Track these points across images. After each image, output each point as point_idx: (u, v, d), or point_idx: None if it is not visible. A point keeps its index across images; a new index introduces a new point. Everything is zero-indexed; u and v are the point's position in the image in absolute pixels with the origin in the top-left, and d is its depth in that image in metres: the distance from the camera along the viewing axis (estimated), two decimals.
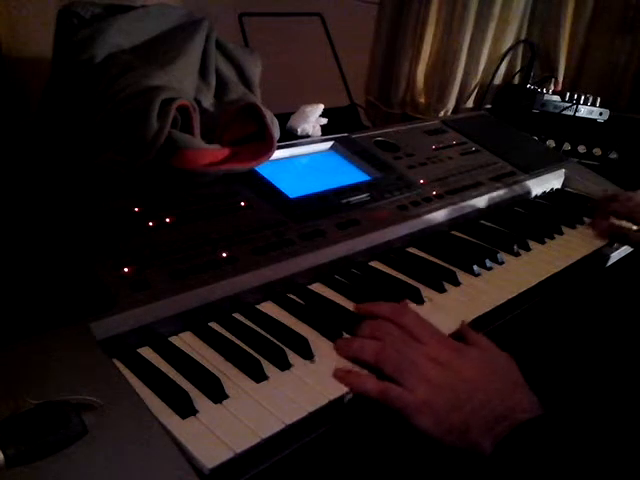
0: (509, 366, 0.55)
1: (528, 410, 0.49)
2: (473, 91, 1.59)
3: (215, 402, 0.47)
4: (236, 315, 0.59)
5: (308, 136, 0.96)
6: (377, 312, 0.60)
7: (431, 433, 0.49)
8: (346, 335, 0.58)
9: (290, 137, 0.93)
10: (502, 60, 1.57)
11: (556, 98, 1.49)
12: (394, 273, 0.71)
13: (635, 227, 0.88)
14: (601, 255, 0.87)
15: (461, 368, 0.53)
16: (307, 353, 0.54)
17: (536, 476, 0.44)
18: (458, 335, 0.59)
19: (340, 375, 0.52)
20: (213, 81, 0.84)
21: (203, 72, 0.83)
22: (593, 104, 1.49)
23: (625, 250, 0.90)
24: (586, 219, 0.94)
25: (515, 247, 0.79)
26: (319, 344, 0.56)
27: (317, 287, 0.67)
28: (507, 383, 0.52)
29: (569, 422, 0.47)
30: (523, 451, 0.45)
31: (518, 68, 1.64)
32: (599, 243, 0.87)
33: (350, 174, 0.87)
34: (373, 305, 0.61)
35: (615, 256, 0.88)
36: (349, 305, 0.63)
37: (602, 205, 0.93)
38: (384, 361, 0.53)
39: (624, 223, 0.89)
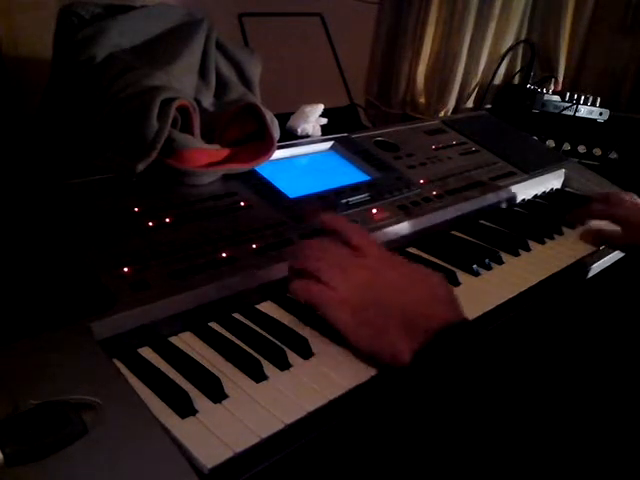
0: (440, 283, 0.55)
1: (449, 319, 0.49)
2: (473, 91, 1.59)
3: (215, 402, 0.47)
4: (236, 315, 0.59)
5: (308, 136, 0.96)
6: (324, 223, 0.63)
7: (346, 328, 0.51)
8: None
9: (290, 137, 0.93)
10: (502, 60, 1.57)
11: (556, 98, 1.49)
12: None
13: (618, 229, 0.87)
14: (601, 255, 0.86)
15: (387, 273, 0.54)
16: (307, 353, 0.54)
17: (455, 383, 0.44)
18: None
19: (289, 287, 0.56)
20: (213, 81, 0.84)
21: (203, 72, 0.83)
22: (593, 104, 1.49)
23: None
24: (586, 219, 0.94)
25: (515, 247, 0.79)
26: (319, 344, 0.56)
27: None
28: (433, 295, 0.53)
29: (482, 331, 0.48)
30: (442, 357, 0.46)
31: (518, 68, 1.64)
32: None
33: (350, 174, 0.87)
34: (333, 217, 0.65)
35: (615, 256, 0.88)
36: None
37: (584, 209, 0.91)
38: (308, 259, 0.56)
39: (607, 225, 0.87)
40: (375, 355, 0.51)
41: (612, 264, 0.88)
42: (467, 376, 0.44)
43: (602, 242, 0.88)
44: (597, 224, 0.90)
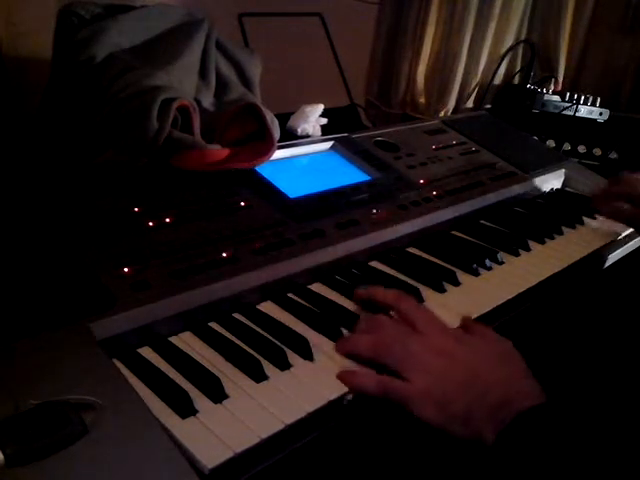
0: (511, 353, 0.54)
1: (531, 397, 0.48)
2: (473, 91, 1.59)
3: (215, 402, 0.47)
4: (236, 315, 0.59)
5: (308, 136, 0.96)
6: (374, 295, 0.60)
7: (434, 422, 0.49)
8: (346, 333, 0.58)
9: (290, 137, 0.93)
10: (502, 60, 1.57)
11: (556, 98, 1.49)
12: (394, 273, 0.71)
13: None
14: (601, 255, 0.87)
15: (461, 356, 0.52)
16: (307, 353, 0.54)
17: (538, 465, 0.43)
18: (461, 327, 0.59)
19: (340, 376, 0.51)
20: (213, 81, 0.84)
21: (203, 72, 0.83)
22: (593, 104, 1.49)
23: (625, 250, 0.90)
24: (586, 219, 0.94)
25: (515, 247, 0.79)
26: (319, 344, 0.56)
27: (317, 287, 0.66)
28: (509, 370, 0.51)
29: (570, 411, 0.46)
30: (525, 439, 0.45)
31: (518, 68, 1.64)
32: (599, 243, 0.87)
33: (350, 174, 0.87)
34: (372, 288, 0.61)
35: (615, 256, 0.88)
36: (349, 305, 0.63)
37: (605, 191, 0.93)
38: (381, 353, 0.53)
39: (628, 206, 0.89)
40: (460, 438, 0.49)
41: (612, 264, 0.88)
42: (548, 459, 0.43)
43: (618, 219, 0.90)
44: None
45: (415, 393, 0.50)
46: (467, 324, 0.59)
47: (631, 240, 0.91)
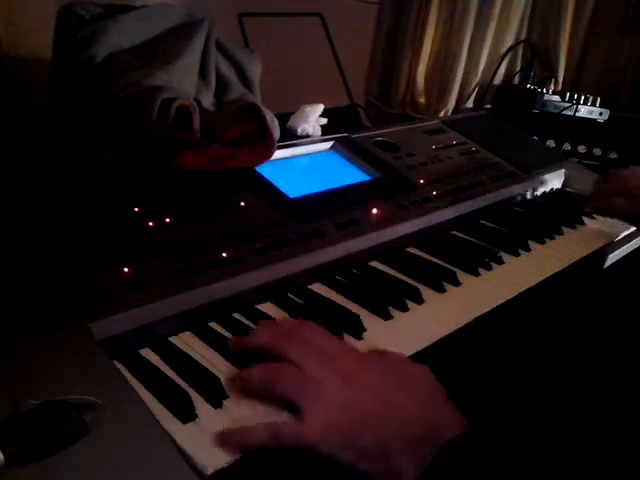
0: (428, 379, 0.48)
1: (454, 425, 0.43)
2: (473, 91, 1.59)
3: (215, 402, 0.47)
4: (236, 315, 0.59)
5: (308, 136, 0.96)
6: (274, 327, 0.52)
7: (341, 459, 0.41)
8: (345, 335, 0.58)
9: (290, 137, 0.93)
10: (502, 60, 1.57)
11: (556, 98, 1.49)
12: (394, 273, 0.71)
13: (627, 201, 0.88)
14: (601, 255, 0.87)
15: (371, 381, 0.45)
16: None
17: None
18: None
19: (223, 439, 0.43)
20: (213, 81, 0.84)
21: (203, 72, 0.83)
22: (593, 104, 1.49)
23: (625, 250, 0.90)
24: (586, 219, 0.94)
25: (515, 247, 0.79)
26: None
27: (317, 287, 0.66)
28: (427, 396, 0.45)
29: (497, 436, 0.42)
30: (454, 474, 0.39)
31: (518, 68, 1.64)
32: (599, 243, 0.87)
33: (350, 174, 0.87)
34: (274, 321, 0.54)
35: (615, 256, 0.88)
36: (349, 305, 0.63)
37: (597, 187, 0.92)
38: (275, 382, 0.45)
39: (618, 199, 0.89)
40: (375, 477, 0.42)
41: (612, 264, 0.88)
42: None
43: (610, 214, 0.89)
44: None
45: (315, 430, 0.42)
46: (378, 350, 0.52)
47: (631, 240, 0.91)
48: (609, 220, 0.93)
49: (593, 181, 0.96)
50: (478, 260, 0.74)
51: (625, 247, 0.90)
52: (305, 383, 0.44)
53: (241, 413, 0.46)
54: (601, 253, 0.86)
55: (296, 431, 0.43)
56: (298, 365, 0.46)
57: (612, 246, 0.88)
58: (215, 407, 0.46)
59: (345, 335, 0.58)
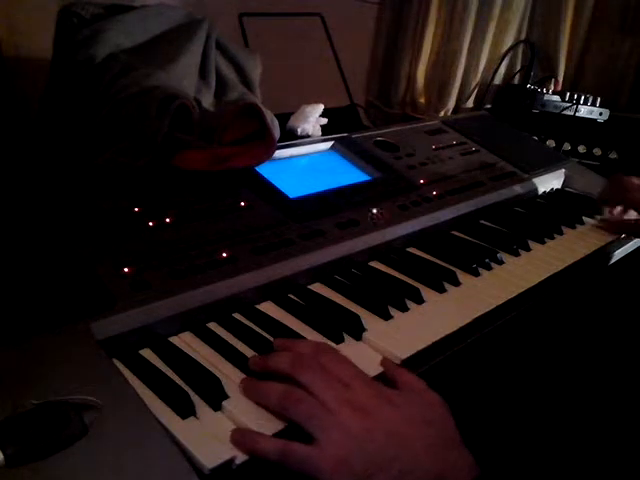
0: (443, 416, 0.47)
1: (464, 471, 0.42)
2: (473, 91, 1.59)
3: (215, 402, 0.47)
4: (236, 315, 0.59)
5: (308, 136, 0.96)
6: (296, 350, 0.51)
7: None
8: (347, 337, 0.58)
9: (290, 137, 0.93)
10: (502, 60, 1.57)
11: (556, 98, 1.49)
12: (394, 273, 0.71)
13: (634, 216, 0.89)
14: (601, 255, 0.87)
15: (387, 418, 0.44)
16: None
17: None
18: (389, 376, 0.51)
19: (233, 437, 0.43)
20: (213, 81, 0.84)
21: (203, 72, 0.83)
22: (593, 104, 1.49)
23: (625, 250, 0.90)
24: (586, 219, 0.94)
25: (515, 247, 0.79)
26: None
27: (317, 287, 0.66)
28: (440, 438, 0.44)
29: None
30: None
31: (518, 68, 1.64)
32: (599, 243, 0.87)
33: (350, 174, 0.87)
34: (293, 342, 0.53)
35: (616, 256, 0.88)
36: (349, 305, 0.63)
37: (611, 199, 0.93)
38: (290, 406, 0.44)
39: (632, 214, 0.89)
40: None
41: (613, 263, 0.88)
42: None
43: (624, 232, 0.89)
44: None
45: (326, 462, 0.41)
46: (392, 372, 0.51)
47: (632, 240, 0.91)
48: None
49: (600, 191, 0.96)
50: (478, 260, 0.74)
51: (626, 247, 0.90)
52: (319, 412, 0.44)
53: (241, 413, 0.46)
54: (602, 253, 0.86)
55: (307, 456, 0.42)
56: (314, 393, 0.45)
57: (613, 246, 0.89)
58: (215, 408, 0.46)
59: (345, 335, 0.58)
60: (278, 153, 0.81)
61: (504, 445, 0.44)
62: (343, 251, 0.70)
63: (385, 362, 0.53)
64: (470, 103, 1.61)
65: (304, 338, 0.55)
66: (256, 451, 0.42)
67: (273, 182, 0.76)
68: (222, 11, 1.05)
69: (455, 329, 0.61)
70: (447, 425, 0.46)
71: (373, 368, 0.53)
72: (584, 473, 0.42)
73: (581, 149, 1.42)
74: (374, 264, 0.73)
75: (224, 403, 0.47)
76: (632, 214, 0.92)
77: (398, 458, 0.42)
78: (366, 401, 0.45)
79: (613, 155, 1.42)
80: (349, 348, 0.56)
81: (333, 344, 0.56)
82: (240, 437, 0.43)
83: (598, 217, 0.96)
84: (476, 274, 0.72)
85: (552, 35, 1.63)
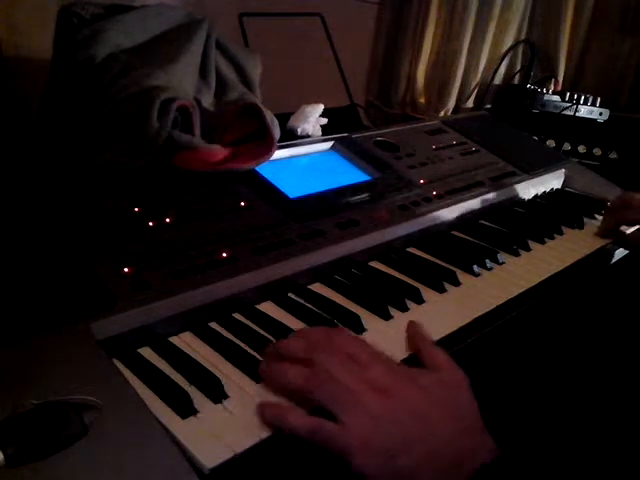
0: (468, 398, 0.47)
1: (483, 455, 0.42)
2: (473, 91, 1.59)
3: (215, 402, 0.47)
4: (236, 315, 0.59)
5: (308, 136, 0.96)
6: (310, 335, 0.51)
7: (371, 476, 0.41)
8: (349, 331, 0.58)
9: (290, 137, 0.93)
10: (502, 60, 1.57)
11: (556, 98, 1.49)
12: (394, 273, 0.71)
13: (632, 229, 0.88)
14: (601, 255, 0.87)
15: (410, 398, 0.44)
16: None
17: None
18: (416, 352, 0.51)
19: (261, 410, 0.44)
20: (213, 81, 0.84)
21: (203, 72, 0.83)
22: (593, 104, 1.49)
23: (625, 250, 0.90)
24: (586, 219, 0.94)
25: (515, 247, 0.79)
26: None
27: (317, 287, 0.66)
28: (465, 420, 0.44)
29: (525, 465, 0.42)
30: None
31: (518, 68, 1.64)
32: (599, 243, 0.87)
33: (350, 174, 0.87)
34: (307, 330, 0.53)
35: (615, 256, 0.88)
36: (349, 305, 0.63)
37: (614, 212, 0.92)
38: (314, 388, 0.44)
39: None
40: None
41: (612, 264, 0.88)
42: None
43: (617, 242, 0.88)
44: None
45: (351, 441, 0.42)
46: (421, 348, 0.51)
47: None
48: None
49: (607, 208, 0.95)
50: (478, 260, 0.74)
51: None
52: (342, 394, 0.44)
53: (240, 414, 0.46)
54: (602, 253, 0.86)
55: (334, 434, 0.42)
56: (334, 375, 0.45)
57: (613, 246, 0.88)
58: (215, 403, 0.46)
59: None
60: (278, 153, 0.81)
61: (503, 445, 0.44)
62: (343, 251, 0.70)
63: (416, 335, 0.52)
64: (470, 103, 1.61)
65: None
66: (286, 425, 0.43)
67: (273, 182, 0.76)
68: (222, 11, 1.05)
69: (455, 329, 0.61)
70: (471, 407, 0.46)
71: None
72: (580, 476, 0.42)
73: (581, 149, 1.42)
74: (374, 264, 0.73)
75: (224, 403, 0.47)
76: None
77: (422, 439, 0.42)
78: (386, 381, 0.45)
79: (613, 155, 1.42)
80: None
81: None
82: (271, 410, 0.44)
83: (598, 217, 0.96)
84: (476, 274, 0.72)
85: (552, 35, 1.63)
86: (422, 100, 1.59)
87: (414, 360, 0.55)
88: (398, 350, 0.56)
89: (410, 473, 0.41)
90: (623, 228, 0.91)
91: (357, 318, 0.59)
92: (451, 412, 0.44)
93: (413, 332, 0.53)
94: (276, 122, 0.82)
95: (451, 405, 0.45)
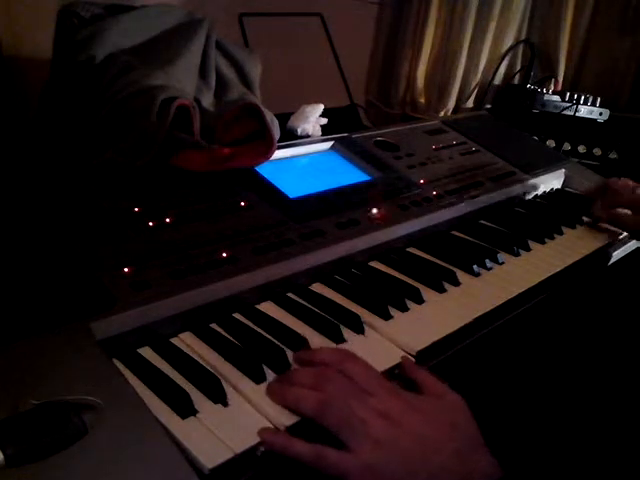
0: (466, 418, 0.48)
1: (487, 473, 0.43)
2: (473, 91, 1.59)
3: (215, 402, 0.47)
4: (236, 315, 0.59)
5: (308, 136, 0.96)
6: (318, 359, 0.52)
7: None
8: (347, 332, 0.58)
9: (290, 137, 0.93)
10: (502, 60, 1.57)
11: (556, 98, 1.49)
12: (394, 273, 0.71)
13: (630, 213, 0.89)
14: (601, 255, 0.87)
15: (414, 424, 0.46)
16: None
17: None
18: (401, 374, 0.53)
19: (265, 434, 0.45)
20: (213, 81, 0.84)
21: (203, 72, 0.83)
22: (593, 104, 1.49)
23: (625, 250, 0.90)
24: (586, 219, 0.94)
25: (515, 247, 0.79)
26: (319, 344, 0.56)
27: (317, 287, 0.67)
28: (465, 440, 0.46)
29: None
30: None
31: (518, 68, 1.64)
32: (599, 243, 0.87)
33: (350, 174, 0.87)
34: (313, 352, 0.54)
35: (615, 256, 0.88)
36: (349, 305, 0.63)
37: (608, 197, 0.93)
38: (325, 415, 0.46)
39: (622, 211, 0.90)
40: None
41: (613, 263, 0.88)
42: None
43: (623, 227, 0.90)
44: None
45: (357, 467, 0.43)
46: (411, 373, 0.53)
47: (631, 240, 0.91)
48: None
49: (595, 186, 0.97)
50: (478, 260, 0.74)
51: (626, 247, 0.90)
52: (350, 422, 0.45)
53: (240, 414, 0.46)
54: (602, 253, 0.86)
55: (339, 461, 0.43)
56: (344, 403, 0.46)
57: (613, 246, 0.89)
58: (215, 403, 0.47)
59: (345, 335, 0.58)
60: (278, 153, 0.81)
61: (503, 445, 0.44)
62: (343, 251, 0.70)
63: (406, 363, 0.54)
64: (470, 103, 1.61)
65: (304, 338, 0.55)
66: (290, 452, 0.44)
67: (273, 182, 0.76)
68: (222, 11, 1.05)
69: (455, 329, 0.61)
70: (470, 427, 0.47)
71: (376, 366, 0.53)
72: (582, 474, 0.42)
73: (581, 149, 1.42)
74: (374, 264, 0.73)
75: (224, 403, 0.47)
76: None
77: (426, 463, 0.43)
78: (392, 409, 0.46)
79: (613, 155, 1.42)
80: (349, 348, 0.56)
81: (333, 344, 0.56)
82: (274, 437, 0.45)
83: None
84: (476, 274, 0.72)
85: (552, 35, 1.63)
86: (422, 100, 1.59)
87: (415, 360, 0.55)
88: (398, 350, 0.56)
89: None
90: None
91: (357, 318, 0.59)
92: (453, 434, 0.46)
93: (408, 363, 0.54)
94: (276, 122, 0.82)
95: (452, 427, 0.46)
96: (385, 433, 0.44)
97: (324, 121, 0.99)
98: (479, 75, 1.58)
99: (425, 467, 0.43)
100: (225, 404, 0.47)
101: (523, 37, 1.63)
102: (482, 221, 0.90)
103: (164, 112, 0.68)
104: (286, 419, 0.46)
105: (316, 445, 0.44)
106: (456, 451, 0.44)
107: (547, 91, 1.52)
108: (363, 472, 0.43)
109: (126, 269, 0.55)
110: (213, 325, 0.57)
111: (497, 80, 1.60)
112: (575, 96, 1.49)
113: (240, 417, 0.46)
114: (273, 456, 0.44)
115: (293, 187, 0.76)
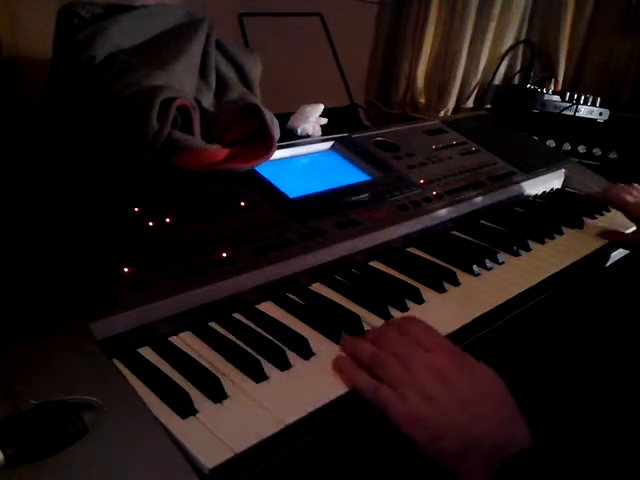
0: (507, 392, 0.51)
1: (523, 443, 0.45)
2: (473, 91, 1.59)
3: (215, 402, 0.47)
4: (236, 315, 0.59)
5: (308, 136, 0.96)
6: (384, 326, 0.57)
7: (421, 448, 0.46)
8: (345, 335, 0.58)
9: (290, 137, 0.93)
10: (502, 60, 1.57)
11: (556, 98, 1.49)
12: (394, 273, 0.71)
13: (630, 230, 0.89)
14: (601, 255, 0.87)
15: (465, 388, 0.48)
16: (307, 353, 0.54)
17: None
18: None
19: (337, 364, 0.51)
20: (213, 81, 0.84)
21: (203, 72, 0.83)
22: (593, 104, 1.49)
23: (624, 250, 0.90)
24: (586, 219, 0.94)
25: (515, 247, 0.79)
26: (319, 344, 0.56)
27: (317, 287, 0.67)
28: (508, 411, 0.48)
29: (560, 454, 0.44)
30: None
31: (518, 68, 1.64)
32: (599, 243, 0.87)
33: (350, 174, 0.87)
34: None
35: (615, 256, 0.88)
36: (349, 305, 0.63)
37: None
38: (376, 364, 0.51)
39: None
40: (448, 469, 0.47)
41: (612, 264, 0.88)
42: None
43: (615, 242, 0.89)
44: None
45: (404, 410, 0.47)
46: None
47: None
48: (610, 220, 0.93)
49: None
50: (478, 260, 0.74)
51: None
52: (402, 373, 0.49)
53: (240, 414, 0.46)
54: (601, 253, 0.86)
55: (390, 403, 0.47)
56: (399, 354, 0.51)
57: (613, 246, 0.89)
58: (215, 403, 0.46)
59: (345, 335, 0.58)
60: (278, 153, 0.81)
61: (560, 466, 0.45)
62: (343, 251, 0.70)
63: None
64: (470, 103, 1.61)
65: (303, 338, 0.55)
66: (355, 384, 0.49)
67: (273, 182, 0.76)
68: (222, 11, 1.05)
69: (455, 329, 0.61)
70: (511, 399, 0.49)
71: None
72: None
73: (581, 149, 1.42)
74: (374, 264, 0.73)
75: (224, 403, 0.47)
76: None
77: (466, 427, 0.46)
78: (446, 368, 0.50)
79: (613, 155, 1.42)
80: None
81: (333, 344, 0.56)
82: (347, 368, 0.51)
83: (598, 217, 0.96)
84: (476, 274, 0.72)
85: (552, 35, 1.63)
86: (422, 100, 1.59)
87: None
88: None
89: (457, 454, 0.45)
90: (621, 229, 0.91)
91: (357, 318, 0.59)
92: (498, 403, 0.48)
93: None
94: (276, 122, 0.82)
95: (498, 396, 0.49)
96: (434, 389, 0.48)
97: (324, 121, 0.99)
98: (479, 75, 1.58)
99: (465, 431, 0.45)
100: (225, 404, 0.47)
101: (523, 37, 1.63)
102: (482, 221, 0.90)
103: (164, 112, 0.68)
104: (287, 417, 0.46)
105: (376, 381, 0.49)
106: (497, 420, 0.46)
107: (547, 91, 1.52)
108: (409, 420, 0.46)
109: (126, 269, 0.55)
110: (213, 325, 0.57)
111: (497, 80, 1.60)
112: (575, 96, 1.49)
113: (240, 417, 0.46)
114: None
115: (293, 187, 0.76)
